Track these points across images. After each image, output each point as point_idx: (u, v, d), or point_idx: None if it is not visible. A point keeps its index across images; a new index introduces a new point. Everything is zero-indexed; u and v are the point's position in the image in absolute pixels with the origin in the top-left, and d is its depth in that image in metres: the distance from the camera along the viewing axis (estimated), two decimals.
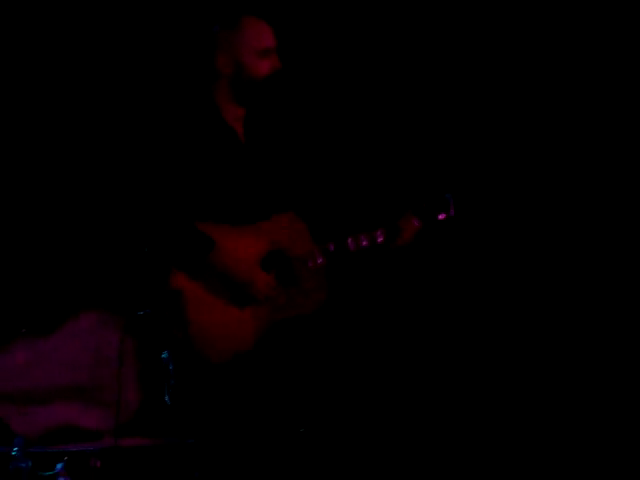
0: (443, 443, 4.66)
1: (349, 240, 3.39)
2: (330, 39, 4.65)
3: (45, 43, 4.61)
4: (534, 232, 4.62)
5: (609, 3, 4.53)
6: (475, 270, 4.67)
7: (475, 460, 4.63)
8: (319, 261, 3.35)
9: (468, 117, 4.64)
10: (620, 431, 4.48)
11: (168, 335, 3.18)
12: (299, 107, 3.65)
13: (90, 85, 4.66)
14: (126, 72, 4.66)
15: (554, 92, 4.60)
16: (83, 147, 4.65)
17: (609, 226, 4.54)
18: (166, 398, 3.27)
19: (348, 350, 4.64)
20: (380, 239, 3.41)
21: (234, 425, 3.25)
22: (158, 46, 4.64)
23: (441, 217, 3.42)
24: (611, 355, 4.54)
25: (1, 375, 4.56)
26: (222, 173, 3.34)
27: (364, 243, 3.39)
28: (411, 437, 4.67)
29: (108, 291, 4.64)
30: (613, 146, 4.53)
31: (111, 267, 4.63)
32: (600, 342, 4.55)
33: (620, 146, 4.53)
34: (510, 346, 4.65)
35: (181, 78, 4.42)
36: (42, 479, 4.19)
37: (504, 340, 4.66)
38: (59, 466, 4.25)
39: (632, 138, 4.50)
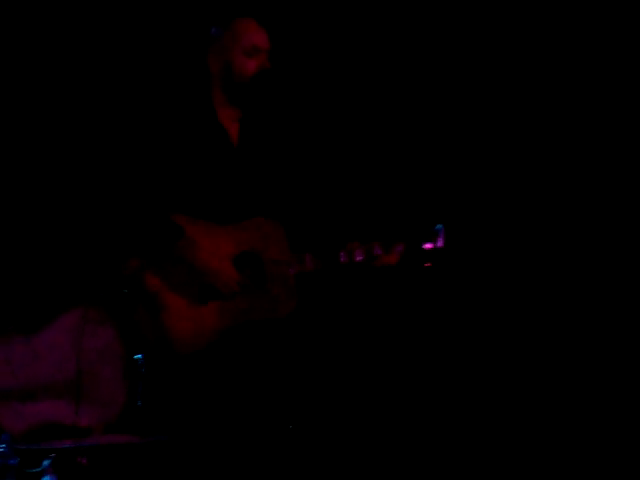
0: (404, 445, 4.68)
1: (328, 254, 3.41)
2: (330, 52, 4.64)
3: (42, 44, 4.60)
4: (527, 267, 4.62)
5: (609, 3, 4.52)
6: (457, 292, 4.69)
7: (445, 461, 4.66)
8: (293, 269, 3.37)
9: (472, 147, 4.64)
10: (620, 431, 4.49)
11: (138, 334, 3.22)
12: (296, 113, 3.65)
13: (87, 78, 4.66)
14: (127, 70, 4.66)
15: (552, 123, 4.59)
16: (70, 143, 4.65)
17: (604, 261, 4.55)
18: (138, 400, 3.33)
19: (315, 355, 4.65)
20: (359, 258, 3.42)
21: (213, 423, 3.30)
22: (158, 46, 4.64)
23: (427, 246, 3.42)
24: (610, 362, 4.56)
25: None
26: (207, 171, 3.38)
27: (342, 259, 3.41)
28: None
29: (89, 287, 4.64)
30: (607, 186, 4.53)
31: (89, 264, 4.63)
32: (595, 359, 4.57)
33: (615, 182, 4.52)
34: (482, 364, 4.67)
35: (180, 78, 4.42)
36: (29, 476, 4.21)
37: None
38: (46, 463, 4.27)
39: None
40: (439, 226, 3.43)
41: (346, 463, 4.60)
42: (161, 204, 3.34)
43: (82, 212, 4.59)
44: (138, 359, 3.36)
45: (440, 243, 3.41)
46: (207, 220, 3.37)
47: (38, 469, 4.22)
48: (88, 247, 4.63)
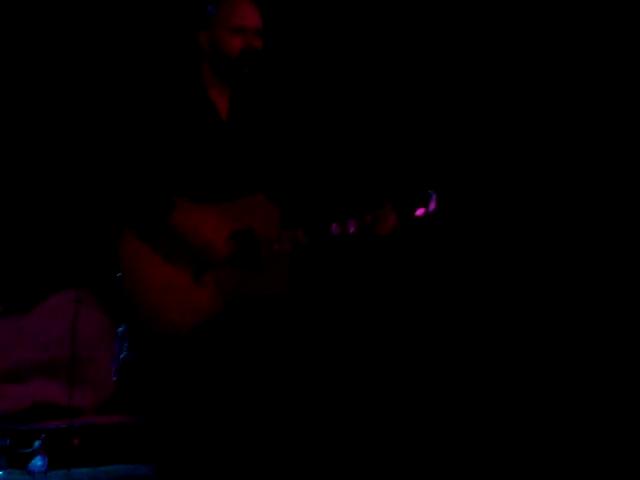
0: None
1: (319, 228, 3.39)
2: (322, 34, 4.63)
3: (25, 24, 4.58)
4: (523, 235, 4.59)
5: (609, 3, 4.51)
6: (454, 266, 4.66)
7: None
8: (286, 245, 3.35)
9: (463, 116, 4.61)
10: (620, 431, 4.49)
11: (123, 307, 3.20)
12: (286, 92, 3.65)
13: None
14: (119, 49, 4.65)
15: (545, 93, 4.56)
16: (59, 121, 4.63)
17: (600, 226, 4.53)
18: (115, 373, 3.31)
19: (305, 336, 4.63)
20: (352, 229, 3.40)
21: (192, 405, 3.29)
22: (150, 23, 4.62)
23: (419, 212, 3.39)
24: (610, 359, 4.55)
25: None
26: (197, 148, 3.37)
27: (335, 232, 3.39)
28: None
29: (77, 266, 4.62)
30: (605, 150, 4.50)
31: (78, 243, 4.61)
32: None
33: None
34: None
35: (171, 55, 4.42)
36: (20, 456, 4.21)
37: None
38: (37, 443, 4.27)
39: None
40: (431, 191, 3.38)
41: (341, 453, 4.59)
42: (155, 179, 3.33)
43: (75, 191, 4.57)
44: (120, 331, 3.33)
45: (432, 207, 3.36)
46: (199, 199, 3.37)
47: (29, 449, 4.23)
48: (79, 227, 4.61)
